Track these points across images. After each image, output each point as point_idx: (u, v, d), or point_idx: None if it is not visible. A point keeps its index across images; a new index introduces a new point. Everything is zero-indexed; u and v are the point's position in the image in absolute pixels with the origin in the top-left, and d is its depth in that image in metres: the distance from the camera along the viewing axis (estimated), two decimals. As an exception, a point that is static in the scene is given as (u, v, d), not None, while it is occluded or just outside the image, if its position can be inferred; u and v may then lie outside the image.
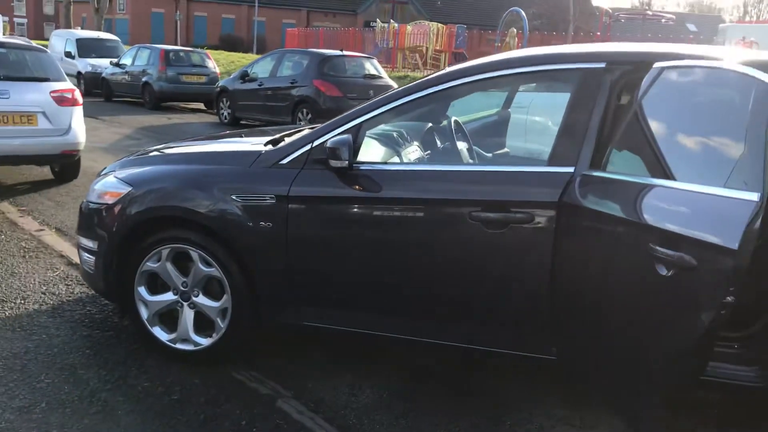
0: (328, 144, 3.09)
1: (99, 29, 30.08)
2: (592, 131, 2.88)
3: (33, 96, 6.91)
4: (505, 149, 4.47)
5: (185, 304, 3.49)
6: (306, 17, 52.87)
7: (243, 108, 13.97)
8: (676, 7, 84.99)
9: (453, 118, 3.98)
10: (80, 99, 7.39)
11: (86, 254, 3.75)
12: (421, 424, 3.06)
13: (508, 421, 3.12)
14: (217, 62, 25.17)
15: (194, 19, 53.56)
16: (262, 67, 13.89)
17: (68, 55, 20.58)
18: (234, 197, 3.29)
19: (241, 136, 4.21)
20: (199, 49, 19.17)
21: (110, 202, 3.60)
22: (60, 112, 7.06)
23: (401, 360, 3.65)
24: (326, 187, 3.18)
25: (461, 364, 3.61)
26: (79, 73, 20.05)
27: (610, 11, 24.16)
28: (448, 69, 3.35)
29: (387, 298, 3.23)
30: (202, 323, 3.49)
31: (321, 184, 3.19)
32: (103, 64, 19.17)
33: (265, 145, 3.54)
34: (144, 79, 17.05)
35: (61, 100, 7.09)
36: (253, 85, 13.60)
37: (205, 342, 3.48)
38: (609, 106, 2.89)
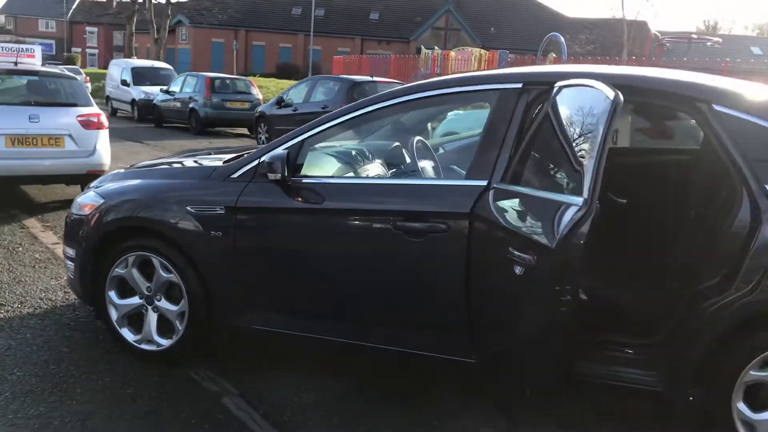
0: (265, 159, 3.37)
1: (158, 58, 31.42)
2: (506, 147, 3.07)
3: (61, 120, 7.42)
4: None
5: (149, 307, 3.78)
6: (360, 45, 53.85)
7: (279, 132, 14.34)
8: (743, 30, 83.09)
9: (416, 138, 4.20)
10: (106, 123, 7.87)
11: (68, 261, 4.09)
12: (354, 424, 3.25)
13: (439, 423, 3.28)
14: (267, 89, 26.04)
15: (252, 48, 55.26)
16: (296, 93, 14.37)
17: (124, 83, 21.63)
18: (189, 208, 3.58)
19: (210, 154, 4.52)
20: (243, 77, 19.88)
21: (87, 213, 3.94)
22: (86, 135, 7.55)
23: (354, 363, 3.85)
24: (268, 198, 3.44)
25: (407, 368, 3.79)
26: (133, 100, 21.04)
27: (659, 35, 23.96)
28: (388, 90, 3.58)
29: (322, 302, 3.45)
30: (165, 326, 3.78)
31: (264, 195, 3.45)
32: (156, 91, 20.05)
33: (225, 162, 3.82)
34: (191, 105, 17.77)
35: (87, 124, 7.58)
36: (288, 111, 14.08)
37: (165, 343, 3.76)
38: (523, 124, 3.08)
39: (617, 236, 3.95)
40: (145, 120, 20.13)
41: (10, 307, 4.51)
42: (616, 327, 3.29)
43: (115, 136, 15.70)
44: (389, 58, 31.08)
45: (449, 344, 3.21)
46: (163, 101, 19.25)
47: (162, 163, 4.33)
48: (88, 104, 7.82)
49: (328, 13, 54.87)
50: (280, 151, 3.39)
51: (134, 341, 3.83)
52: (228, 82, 18.54)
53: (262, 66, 51.85)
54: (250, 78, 20.97)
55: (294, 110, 13.95)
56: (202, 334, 3.71)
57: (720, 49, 40.34)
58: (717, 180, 3.12)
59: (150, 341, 3.80)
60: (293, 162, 3.43)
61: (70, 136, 7.45)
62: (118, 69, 22.59)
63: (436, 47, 27.82)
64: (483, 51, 25.40)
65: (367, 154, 4.10)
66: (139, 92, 20.81)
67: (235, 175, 3.57)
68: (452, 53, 25.54)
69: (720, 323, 2.81)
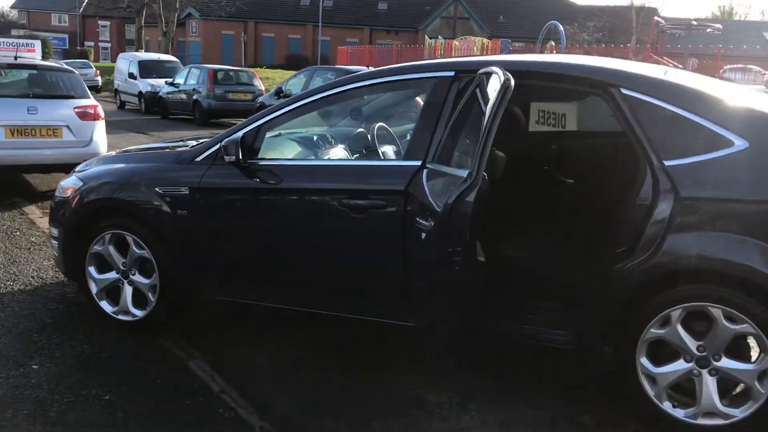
0: (223, 143, 3.69)
1: (167, 51, 31.84)
2: (439, 130, 3.37)
3: (58, 111, 7.79)
4: None
5: (125, 281, 4.12)
6: (369, 35, 54.05)
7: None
8: (760, 16, 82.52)
9: (378, 124, 4.51)
10: (102, 114, 8.22)
11: (53, 240, 4.45)
12: (308, 386, 3.56)
13: (397, 394, 3.59)
14: (272, 80, 26.33)
15: (262, 39, 55.60)
16: (295, 84, 14.69)
17: (131, 76, 22.04)
18: (158, 189, 3.92)
19: (183, 141, 4.85)
20: (246, 69, 20.22)
21: (68, 195, 4.28)
22: (83, 126, 7.91)
23: (314, 332, 4.17)
24: (227, 179, 3.76)
25: (366, 337, 4.10)
26: (140, 92, 21.46)
27: (662, 22, 24.06)
28: (335, 80, 3.89)
29: (277, 274, 3.78)
30: (139, 298, 4.12)
31: (224, 177, 3.78)
32: (162, 84, 20.44)
33: (192, 147, 4.15)
34: (194, 97, 18.14)
35: (84, 115, 7.94)
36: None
37: (140, 314, 4.10)
38: (454, 109, 3.38)
39: (561, 212, 4.25)
40: (151, 112, 20.54)
41: (2, 285, 4.87)
42: (541, 293, 3.60)
43: (121, 128, 16.24)
44: (395, 48, 31.32)
45: (391, 310, 3.53)
46: (168, 93, 19.63)
47: (140, 149, 4.67)
48: (84, 96, 8.18)
49: (336, 3, 55.12)
50: (235, 135, 3.71)
51: (112, 312, 4.18)
52: (231, 73, 18.90)
53: (272, 57, 52.21)
54: (254, 70, 21.29)
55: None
56: (173, 305, 4.05)
57: (732, 35, 40.21)
58: (630, 158, 3.41)
59: (126, 312, 4.14)
60: (250, 146, 3.74)
61: (67, 126, 7.82)
62: (126, 62, 23.01)
63: (439, 37, 28.04)
64: (485, 40, 25.60)
65: (330, 139, 4.41)
66: (145, 85, 21.22)
67: (199, 159, 3.89)
68: (455, 42, 25.78)
69: (625, 287, 3.10)
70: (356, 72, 14.13)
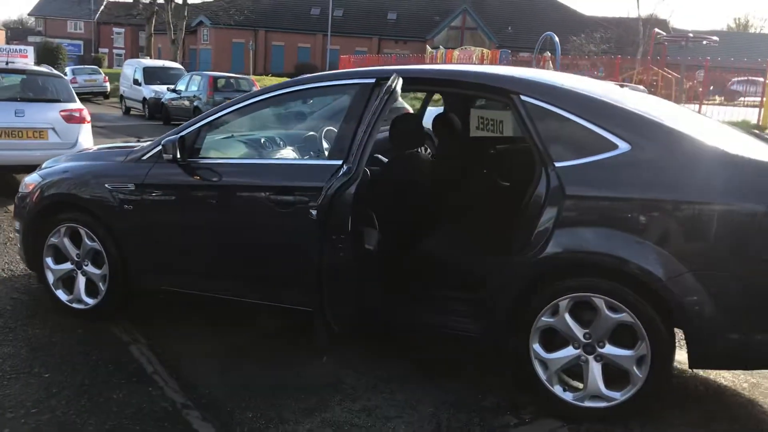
0: (162, 142, 3.97)
1: (175, 59, 32.34)
2: (359, 132, 3.64)
3: (44, 114, 8.13)
4: None
5: (79, 271, 4.41)
6: (378, 44, 54.51)
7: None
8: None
9: (327, 128, 4.80)
10: (88, 117, 8.55)
11: (17, 233, 4.75)
12: (246, 372, 3.81)
13: (319, 377, 3.85)
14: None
15: (272, 48, 56.19)
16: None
17: (136, 82, 22.51)
18: (107, 185, 4.21)
19: (139, 141, 5.15)
20: (246, 76, 20.60)
21: (29, 191, 4.59)
22: (68, 129, 8.25)
23: (255, 320, 4.43)
24: (168, 177, 4.04)
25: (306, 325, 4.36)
26: (144, 98, 21.90)
27: (662, 34, 24.30)
28: (272, 86, 4.18)
29: (213, 265, 4.05)
30: (91, 287, 4.40)
31: (166, 174, 4.06)
32: (164, 90, 20.85)
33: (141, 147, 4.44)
34: (195, 104, 18.51)
35: (70, 118, 8.28)
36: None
37: (92, 302, 4.39)
38: (375, 113, 3.64)
39: (487, 212, 4.50)
40: (154, 118, 20.96)
41: (-28, 276, 5.18)
42: (455, 285, 3.85)
43: (121, 132, 16.64)
44: (394, 57, 31.70)
45: (308, 298, 3.78)
46: (170, 100, 20.03)
47: (99, 148, 4.97)
48: (71, 100, 8.51)
49: (346, 13, 55.62)
50: (174, 136, 4.00)
51: (67, 301, 4.46)
52: (231, 81, 19.28)
53: (281, 66, 52.75)
54: (256, 78, 21.68)
55: (285, 107, 14.55)
56: (121, 294, 4.33)
57: (744, 47, 40.25)
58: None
59: (80, 301, 4.42)
60: (191, 145, 4.02)
61: (53, 129, 8.15)
62: (131, 69, 23.50)
63: (441, 47, 28.42)
64: (486, 50, 25.92)
65: (278, 141, 4.69)
66: (149, 91, 21.66)
67: (145, 157, 4.18)
68: (455, 52, 26.13)
69: (520, 279, 3.36)
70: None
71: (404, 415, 3.38)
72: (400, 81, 3.42)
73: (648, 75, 26.39)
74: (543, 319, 3.33)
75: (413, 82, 3.80)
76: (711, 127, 3.89)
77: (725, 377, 3.92)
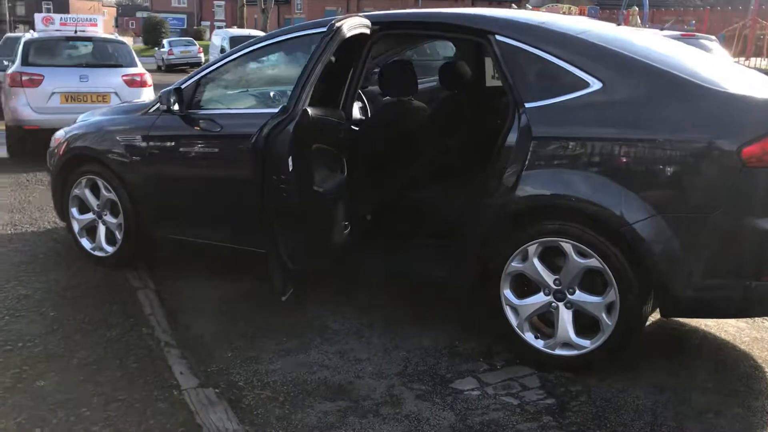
0: (159, 93, 4.11)
1: (265, 29, 32.94)
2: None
3: (107, 79, 8.55)
4: None
5: (99, 221, 4.66)
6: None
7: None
8: None
9: None
10: (149, 81, 8.91)
11: (50, 186, 5.06)
12: (240, 317, 3.94)
13: (304, 322, 3.94)
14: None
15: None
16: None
17: (222, 50, 23.10)
18: (118, 138, 4.41)
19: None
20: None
21: (55, 146, 4.87)
22: (130, 92, 8.62)
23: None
24: (170, 127, 4.18)
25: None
26: (230, 67, 22.47)
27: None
28: (254, 39, 4.23)
29: (205, 213, 4.18)
30: (111, 236, 4.64)
31: (168, 125, 4.20)
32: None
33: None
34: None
35: (131, 82, 8.66)
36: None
37: (111, 250, 4.63)
38: (313, 58, 3.54)
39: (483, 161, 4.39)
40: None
41: (20, 227, 5.56)
42: (432, 232, 3.81)
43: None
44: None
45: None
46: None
47: (121, 103, 5.20)
48: (132, 65, 8.89)
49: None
50: (171, 87, 4.12)
51: (90, 249, 4.73)
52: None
53: (374, 32, 52.65)
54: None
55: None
56: (136, 242, 4.54)
57: None
58: None
59: (101, 249, 4.67)
60: (189, 97, 4.14)
61: (115, 93, 8.55)
62: (219, 38, 24.21)
63: (528, 5, 27.59)
64: (573, 7, 24.98)
65: (272, 95, 4.75)
66: (235, 59, 22.19)
67: (152, 110, 4.34)
68: (542, 9, 25.33)
69: (489, 223, 3.29)
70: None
71: (374, 358, 3.41)
72: (347, 26, 3.36)
73: (753, 29, 24.72)
74: (513, 264, 3.25)
75: (388, 27, 3.75)
76: (735, 73, 3.59)
77: (727, 331, 3.73)
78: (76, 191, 4.69)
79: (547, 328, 3.30)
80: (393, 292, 4.15)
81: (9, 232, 5.43)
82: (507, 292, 3.30)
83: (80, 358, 3.38)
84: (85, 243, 4.75)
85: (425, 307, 3.99)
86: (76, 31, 9.25)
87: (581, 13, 23.36)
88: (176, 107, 4.05)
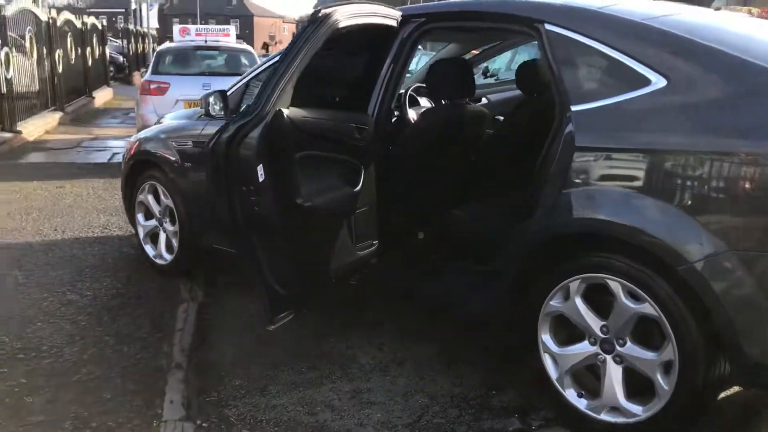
0: (202, 97, 3.87)
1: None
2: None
3: (227, 87, 8.63)
4: None
5: (161, 228, 4.54)
6: None
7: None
8: None
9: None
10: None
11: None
12: (267, 340, 3.56)
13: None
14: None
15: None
16: (500, 61, 14.34)
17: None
18: (173, 143, 4.25)
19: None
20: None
21: (126, 150, 4.82)
22: (250, 100, 8.67)
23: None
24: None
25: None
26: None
27: None
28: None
29: None
30: (171, 244, 4.50)
31: (212, 131, 3.96)
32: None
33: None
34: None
35: (252, 89, 8.70)
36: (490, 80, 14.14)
37: (169, 258, 4.49)
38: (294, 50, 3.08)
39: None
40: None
41: (109, 230, 5.60)
42: (466, 254, 3.23)
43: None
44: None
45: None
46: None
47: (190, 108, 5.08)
48: (254, 73, 8.94)
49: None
50: (215, 90, 3.87)
51: (152, 256, 4.61)
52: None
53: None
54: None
55: (495, 79, 13.98)
56: (190, 250, 4.36)
57: None
58: None
59: (161, 257, 4.55)
60: (238, 101, 3.88)
61: (235, 101, 8.62)
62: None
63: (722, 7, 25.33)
64: (754, 9, 22.58)
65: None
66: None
67: (203, 114, 4.12)
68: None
69: (521, 253, 2.71)
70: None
71: (389, 403, 2.94)
72: (342, 14, 2.90)
73: None
74: (552, 303, 2.65)
75: (426, 21, 3.26)
76: None
77: None
78: (140, 197, 4.60)
79: (595, 382, 2.65)
80: (444, 321, 3.64)
81: (95, 234, 5.48)
82: (546, 337, 2.70)
83: (83, 374, 3.19)
84: (149, 250, 4.65)
85: (472, 343, 3.45)
86: (206, 41, 9.49)
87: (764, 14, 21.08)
88: (221, 112, 3.79)
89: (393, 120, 3.81)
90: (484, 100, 5.39)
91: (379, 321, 3.74)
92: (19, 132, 10.05)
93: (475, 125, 3.63)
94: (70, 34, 14.10)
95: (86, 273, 4.55)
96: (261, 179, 2.59)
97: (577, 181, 2.53)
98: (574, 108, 2.57)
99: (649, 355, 2.43)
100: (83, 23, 15.52)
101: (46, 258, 4.81)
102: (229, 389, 3.09)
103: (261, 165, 2.60)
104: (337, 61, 3.09)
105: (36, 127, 10.90)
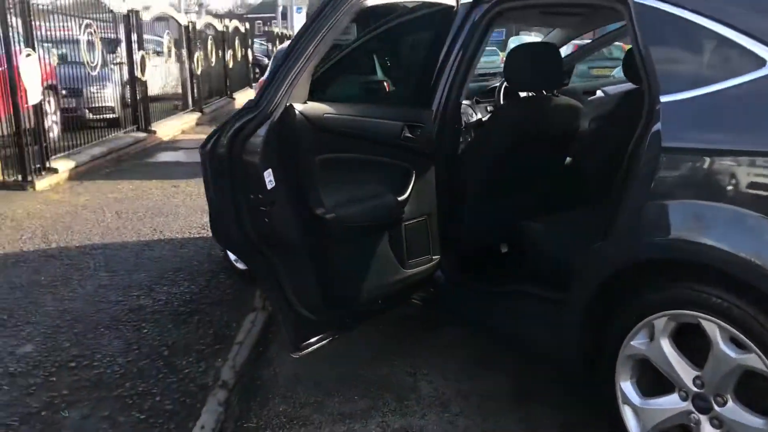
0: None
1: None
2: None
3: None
4: None
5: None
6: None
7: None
8: None
9: None
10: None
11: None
12: (329, 361, 3.24)
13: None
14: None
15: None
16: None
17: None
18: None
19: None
20: (619, 43, 18.94)
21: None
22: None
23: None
24: None
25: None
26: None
27: None
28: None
29: None
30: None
31: None
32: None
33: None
34: (561, 76, 17.74)
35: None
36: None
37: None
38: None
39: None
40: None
41: (206, 231, 5.53)
42: (537, 276, 2.70)
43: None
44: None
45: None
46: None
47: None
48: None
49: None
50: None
51: (234, 260, 4.43)
52: (604, 50, 17.93)
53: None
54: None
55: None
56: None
57: None
58: None
59: (239, 261, 4.36)
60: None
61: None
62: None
63: None
64: None
65: None
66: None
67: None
68: None
69: (593, 281, 2.20)
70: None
71: (439, 448, 2.51)
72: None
73: None
74: (633, 344, 2.12)
75: (500, 1, 2.79)
76: None
77: None
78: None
79: (688, 448, 2.10)
80: (518, 354, 3.16)
81: (191, 235, 5.42)
82: (625, 385, 2.18)
83: (126, 388, 3.00)
84: (230, 254, 4.48)
85: (550, 378, 2.94)
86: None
87: None
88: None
89: (463, 116, 3.37)
90: (599, 93, 4.79)
91: (452, 343, 3.32)
92: (154, 132, 10.42)
93: (565, 121, 3.11)
94: (210, 37, 14.56)
95: (167, 276, 4.44)
96: (270, 186, 2.25)
97: (664, 191, 1.99)
98: (663, 98, 2.03)
99: (757, 422, 1.85)
100: (225, 27, 16.01)
101: (135, 260, 4.77)
102: (270, 415, 2.80)
103: (269, 170, 2.26)
104: (381, 48, 2.70)
105: (172, 127, 11.29)
